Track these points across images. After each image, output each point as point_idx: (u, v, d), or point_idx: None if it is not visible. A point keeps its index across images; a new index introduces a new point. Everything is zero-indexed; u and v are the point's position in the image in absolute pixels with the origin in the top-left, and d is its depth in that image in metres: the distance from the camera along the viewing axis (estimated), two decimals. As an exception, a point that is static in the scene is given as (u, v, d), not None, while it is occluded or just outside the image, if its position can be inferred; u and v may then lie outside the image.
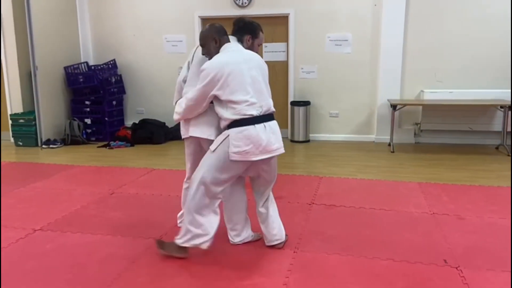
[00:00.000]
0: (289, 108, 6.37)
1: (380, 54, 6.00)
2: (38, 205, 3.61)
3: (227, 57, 2.45)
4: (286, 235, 2.77)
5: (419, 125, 5.99)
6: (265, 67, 2.62)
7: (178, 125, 7.13)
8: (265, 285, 2.29)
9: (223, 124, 2.47)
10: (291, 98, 6.40)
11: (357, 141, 6.23)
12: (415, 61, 5.95)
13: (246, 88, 2.41)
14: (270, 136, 2.45)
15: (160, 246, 2.60)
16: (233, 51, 2.51)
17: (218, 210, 2.55)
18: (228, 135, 2.40)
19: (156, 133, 6.32)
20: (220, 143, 2.43)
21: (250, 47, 2.68)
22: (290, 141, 6.38)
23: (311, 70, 6.30)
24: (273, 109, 2.57)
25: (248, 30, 2.68)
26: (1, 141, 6.47)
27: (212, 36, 2.53)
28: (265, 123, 2.46)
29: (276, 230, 2.70)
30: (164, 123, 6.55)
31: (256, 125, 2.40)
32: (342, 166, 4.88)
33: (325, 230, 3.03)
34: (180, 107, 2.62)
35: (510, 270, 2.41)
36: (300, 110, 6.22)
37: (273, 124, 2.54)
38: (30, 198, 3.79)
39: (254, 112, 2.41)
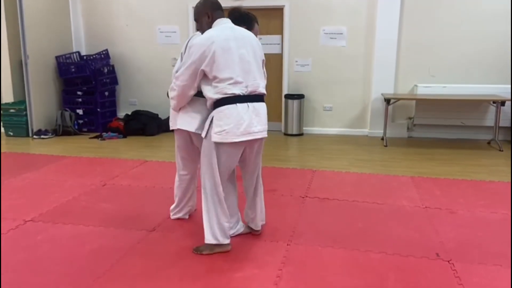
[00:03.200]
0: (283, 101, 6.35)
1: (374, 48, 5.99)
2: (29, 196, 3.57)
3: (216, 32, 2.38)
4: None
5: (412, 119, 6.01)
6: (259, 47, 2.53)
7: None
8: (258, 277, 2.29)
9: (208, 104, 2.43)
10: (285, 91, 6.38)
11: (351, 135, 6.24)
12: (409, 55, 5.96)
13: (232, 66, 2.33)
14: (253, 118, 2.37)
15: (200, 251, 2.54)
16: (224, 27, 2.43)
17: (233, 189, 2.71)
18: (213, 117, 2.38)
19: (149, 125, 6.27)
20: (208, 127, 2.40)
21: None
22: (284, 134, 6.37)
23: (306, 63, 6.28)
24: (262, 90, 2.46)
25: (244, 21, 2.65)
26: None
27: (205, 11, 2.49)
28: (249, 103, 2.37)
29: (259, 213, 2.73)
30: (157, 115, 6.50)
31: (238, 104, 2.33)
32: (336, 159, 4.89)
33: (318, 223, 3.04)
34: (173, 91, 2.56)
35: (502, 264, 2.44)
36: (294, 103, 6.21)
37: (259, 105, 2.44)
38: (21, 189, 3.75)
39: (237, 91, 2.33)
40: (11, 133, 6.13)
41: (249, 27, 2.68)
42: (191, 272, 2.35)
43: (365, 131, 6.27)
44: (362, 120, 6.29)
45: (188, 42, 2.62)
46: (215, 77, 2.34)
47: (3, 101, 6.26)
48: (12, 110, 6.08)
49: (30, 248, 2.60)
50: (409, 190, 3.75)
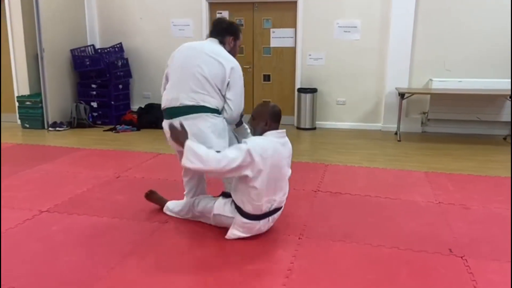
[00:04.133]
0: (296, 95, 6.33)
1: (389, 42, 5.92)
2: (44, 187, 3.64)
3: (273, 145, 2.56)
4: None
5: (426, 114, 5.93)
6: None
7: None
8: (270, 270, 2.30)
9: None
10: (298, 85, 6.35)
11: (364, 129, 6.19)
12: (424, 49, 5.87)
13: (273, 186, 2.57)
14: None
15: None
16: (278, 142, 2.62)
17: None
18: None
19: (162, 118, 6.28)
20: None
21: (233, 48, 2.72)
22: (296, 128, 6.36)
23: (319, 57, 6.23)
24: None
25: (230, 32, 2.69)
26: (8, 123, 6.51)
27: (266, 118, 2.54)
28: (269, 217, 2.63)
29: None
30: (170, 108, 6.52)
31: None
32: (348, 154, 4.86)
33: (330, 217, 3.04)
34: (217, 163, 2.36)
35: (510, 260, 2.41)
36: (307, 97, 6.18)
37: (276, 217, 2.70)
38: (37, 180, 3.82)
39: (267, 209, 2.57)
40: (27, 125, 6.23)
41: (236, 37, 2.72)
42: (204, 264, 2.37)
43: (379, 125, 6.21)
44: (375, 114, 6.23)
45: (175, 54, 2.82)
46: (255, 189, 2.44)
47: (19, 94, 6.36)
48: (28, 103, 6.18)
49: (45, 238, 2.65)
50: (422, 185, 3.71)
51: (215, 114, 2.61)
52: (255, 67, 6.60)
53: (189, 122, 2.54)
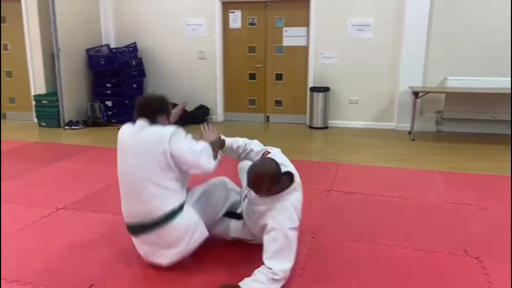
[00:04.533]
0: (308, 94, 6.32)
1: (403, 40, 5.86)
2: (61, 184, 3.70)
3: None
4: None
5: (441, 113, 5.86)
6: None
7: (196, 109, 7.11)
8: (282, 269, 2.30)
9: None
10: (310, 84, 6.33)
11: (377, 129, 6.14)
12: (439, 47, 5.80)
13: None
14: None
15: None
16: None
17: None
18: None
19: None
20: None
21: (165, 123, 2.36)
22: (308, 127, 6.34)
23: (332, 56, 6.20)
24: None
25: (162, 110, 2.38)
26: (25, 122, 6.63)
27: (268, 185, 2.15)
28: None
29: None
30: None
31: None
32: (361, 153, 4.84)
33: (343, 216, 3.03)
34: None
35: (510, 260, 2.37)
36: (319, 96, 6.16)
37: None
38: (53, 178, 3.89)
39: None
40: (44, 124, 6.34)
41: (169, 113, 2.41)
42: (217, 261, 2.39)
43: (392, 124, 6.16)
44: (388, 113, 6.18)
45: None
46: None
47: (35, 93, 6.47)
48: (44, 102, 6.29)
49: (62, 235, 2.71)
50: (436, 185, 3.68)
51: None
52: (267, 66, 6.60)
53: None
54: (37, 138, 5.63)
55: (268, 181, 2.12)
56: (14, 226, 2.82)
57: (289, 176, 2.28)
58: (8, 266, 2.30)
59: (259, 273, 2.04)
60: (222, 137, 2.55)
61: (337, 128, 6.25)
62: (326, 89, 6.18)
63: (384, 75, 6.07)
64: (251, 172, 2.15)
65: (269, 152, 2.46)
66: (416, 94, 5.48)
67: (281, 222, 2.10)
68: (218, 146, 2.47)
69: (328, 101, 6.22)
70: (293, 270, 2.28)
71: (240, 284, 2.04)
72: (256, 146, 2.58)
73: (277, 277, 2.01)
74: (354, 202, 3.32)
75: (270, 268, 2.01)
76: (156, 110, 2.34)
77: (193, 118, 6.50)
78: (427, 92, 5.58)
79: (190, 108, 6.59)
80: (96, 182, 3.72)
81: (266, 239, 2.10)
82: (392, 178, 3.93)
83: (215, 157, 2.34)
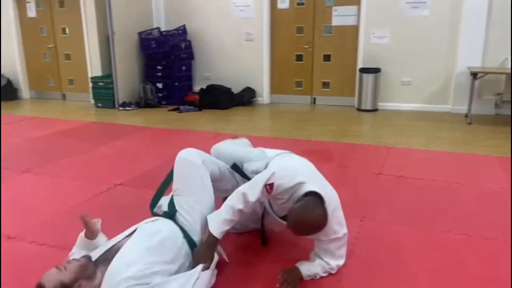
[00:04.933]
0: (357, 75, 6.16)
1: (461, 18, 5.53)
2: (117, 162, 3.90)
3: None
4: None
5: (501, 95, 5.52)
6: None
7: (242, 91, 7.16)
8: (331, 250, 2.30)
9: None
10: (360, 65, 6.17)
11: (430, 111, 5.90)
12: (501, 25, 5.41)
13: None
14: None
15: None
16: None
17: None
18: None
19: (222, 99, 6.44)
20: None
21: None
22: (357, 109, 6.21)
23: (383, 35, 5.98)
24: None
25: None
26: (83, 103, 6.99)
27: None
28: None
29: None
30: (230, 89, 6.64)
31: None
32: (413, 136, 4.68)
33: (393, 201, 2.97)
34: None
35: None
36: (369, 77, 5.99)
37: None
38: (110, 156, 4.10)
39: None
40: (100, 105, 6.65)
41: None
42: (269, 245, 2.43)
43: (447, 107, 5.89)
44: (443, 95, 5.90)
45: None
46: None
47: (92, 75, 6.79)
48: (100, 83, 6.58)
49: (119, 209, 2.86)
50: (494, 171, 3.50)
51: None
52: (315, 47, 6.49)
53: None
54: (94, 118, 5.93)
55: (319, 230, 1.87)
56: (75, 200, 3.01)
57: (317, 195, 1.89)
58: (72, 239, 2.46)
59: (317, 262, 2.06)
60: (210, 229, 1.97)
61: (387, 111, 6.07)
62: (376, 70, 6.00)
63: (440, 55, 5.78)
64: (299, 226, 1.82)
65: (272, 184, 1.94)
66: (474, 75, 5.19)
67: (343, 229, 2.04)
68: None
69: (379, 83, 6.04)
70: (342, 251, 2.29)
71: (298, 264, 2.07)
72: (254, 188, 1.95)
73: (332, 271, 2.08)
74: (405, 186, 3.24)
75: (329, 263, 2.06)
76: None
77: (239, 101, 6.57)
78: (487, 73, 5.26)
79: (236, 90, 6.65)
80: (150, 161, 3.88)
81: (326, 247, 2.04)
82: (446, 162, 3.78)
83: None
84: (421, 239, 2.43)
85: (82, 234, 1.94)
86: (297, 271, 2.04)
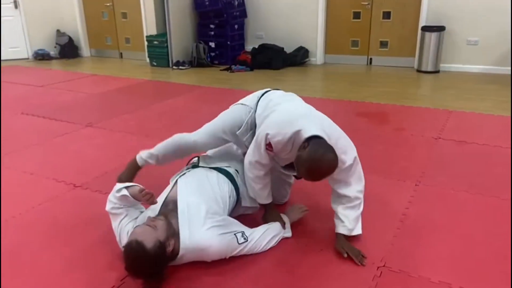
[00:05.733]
0: (419, 34, 5.78)
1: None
2: (172, 119, 4.02)
3: None
4: None
5: None
6: None
7: (295, 51, 6.98)
8: (383, 214, 2.26)
9: None
10: (422, 23, 5.77)
11: (499, 74, 5.46)
12: None
13: None
14: None
15: None
16: None
17: None
18: None
19: (275, 59, 6.34)
20: None
21: None
22: (416, 71, 5.88)
23: (451, -10, 5.52)
24: None
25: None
26: (139, 61, 7.19)
27: None
28: None
29: None
30: (283, 48, 6.51)
31: None
32: (477, 100, 4.38)
33: (452, 166, 2.84)
34: None
35: None
36: (432, 36, 5.61)
37: None
38: (166, 113, 4.23)
39: None
40: (155, 63, 6.81)
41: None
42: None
43: (518, 69, 5.42)
44: (515, 56, 5.42)
45: None
46: None
47: (147, 34, 6.91)
48: (155, 42, 6.70)
49: (175, 163, 2.96)
50: None
51: None
52: (374, 4, 6.13)
53: None
54: (149, 77, 6.09)
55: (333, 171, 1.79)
56: (134, 154, 3.15)
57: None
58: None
59: (340, 208, 1.97)
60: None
61: (450, 73, 5.70)
62: (440, 29, 5.59)
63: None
64: (312, 174, 1.76)
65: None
66: (553, 33, 4.69)
67: (350, 155, 1.92)
68: None
69: (442, 42, 5.64)
70: (394, 215, 2.25)
71: (337, 231, 1.97)
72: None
73: (360, 196, 1.97)
74: (466, 152, 3.07)
75: (349, 196, 1.95)
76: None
77: (292, 61, 6.44)
78: None
79: (289, 50, 6.51)
80: (203, 119, 3.93)
81: (340, 178, 1.94)
82: (513, 128, 3.52)
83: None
84: (481, 205, 2.32)
85: (126, 192, 1.90)
86: (343, 238, 1.95)
